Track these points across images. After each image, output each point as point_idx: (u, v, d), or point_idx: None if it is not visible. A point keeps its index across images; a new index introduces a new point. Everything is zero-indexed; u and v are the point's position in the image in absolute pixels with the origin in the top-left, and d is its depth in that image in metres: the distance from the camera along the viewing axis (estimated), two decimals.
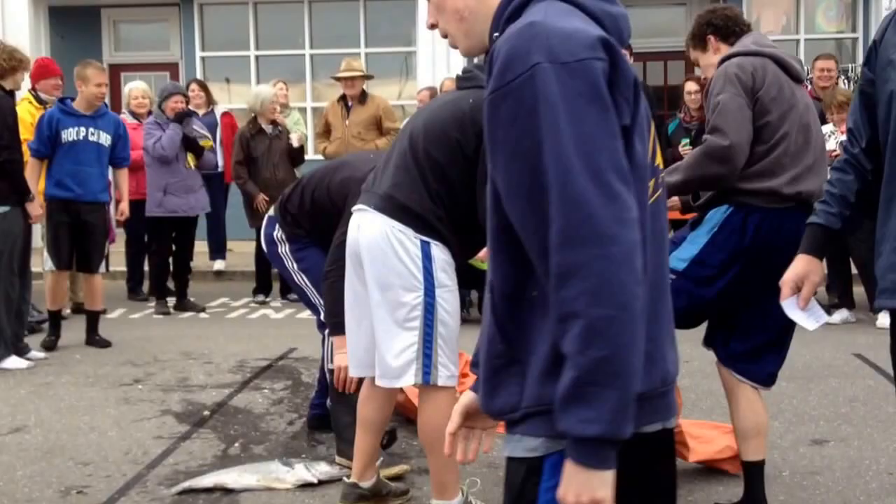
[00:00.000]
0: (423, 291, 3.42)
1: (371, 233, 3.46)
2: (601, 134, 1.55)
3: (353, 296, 3.66)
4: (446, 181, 3.44)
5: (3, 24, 12.69)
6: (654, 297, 1.65)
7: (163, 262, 8.68)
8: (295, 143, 8.62)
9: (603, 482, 1.55)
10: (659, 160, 1.79)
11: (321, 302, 4.25)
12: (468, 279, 4.14)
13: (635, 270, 1.53)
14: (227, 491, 4.22)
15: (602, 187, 1.52)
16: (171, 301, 8.73)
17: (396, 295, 3.43)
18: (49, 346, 7.07)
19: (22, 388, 6.04)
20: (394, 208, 3.44)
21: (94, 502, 4.16)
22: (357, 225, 3.54)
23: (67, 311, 7.94)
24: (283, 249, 4.53)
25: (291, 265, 4.52)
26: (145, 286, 9.23)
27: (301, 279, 4.50)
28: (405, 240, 3.42)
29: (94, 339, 7.25)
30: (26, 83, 7.39)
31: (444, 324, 3.48)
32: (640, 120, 1.65)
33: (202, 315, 8.60)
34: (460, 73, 3.72)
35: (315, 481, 4.27)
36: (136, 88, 9.13)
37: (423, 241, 3.44)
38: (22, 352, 6.68)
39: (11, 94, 6.78)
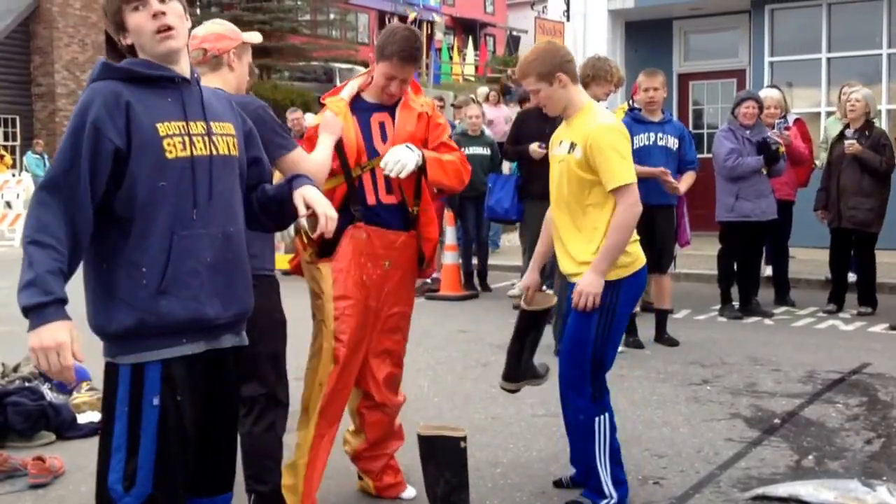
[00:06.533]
0: None
1: None
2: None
3: None
4: None
5: (584, 38, 13.67)
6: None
7: (729, 267, 8.68)
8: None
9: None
10: None
11: None
12: None
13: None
14: (802, 503, 4.14)
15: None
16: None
17: None
18: (636, 345, 7.35)
19: None
20: None
21: (670, 495, 4.31)
22: None
23: (637, 308, 8.31)
24: None
25: None
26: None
27: None
28: None
29: (663, 336, 7.52)
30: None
31: None
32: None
33: (766, 321, 8.50)
34: None
35: None
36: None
37: None
38: None
39: None
